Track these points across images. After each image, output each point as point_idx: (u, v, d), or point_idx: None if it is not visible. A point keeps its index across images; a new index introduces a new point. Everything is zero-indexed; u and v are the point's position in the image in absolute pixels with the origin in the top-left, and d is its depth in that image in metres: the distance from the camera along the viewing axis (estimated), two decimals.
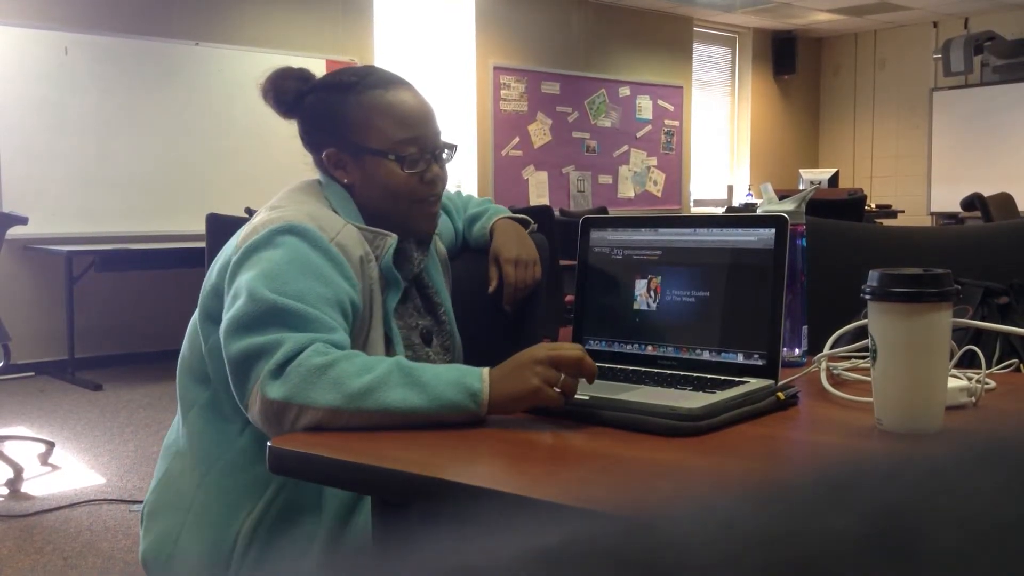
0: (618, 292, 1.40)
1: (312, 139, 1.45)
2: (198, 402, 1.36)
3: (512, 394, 1.12)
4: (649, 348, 1.36)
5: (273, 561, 1.25)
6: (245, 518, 1.29)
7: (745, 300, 1.29)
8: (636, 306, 1.37)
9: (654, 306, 1.35)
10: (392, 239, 1.39)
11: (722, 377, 1.24)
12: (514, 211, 1.73)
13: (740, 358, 1.27)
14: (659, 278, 1.35)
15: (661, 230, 1.38)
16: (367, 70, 1.46)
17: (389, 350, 1.38)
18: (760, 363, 1.25)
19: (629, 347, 1.38)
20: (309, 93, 1.44)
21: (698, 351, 1.31)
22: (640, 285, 1.37)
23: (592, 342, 1.41)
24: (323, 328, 1.19)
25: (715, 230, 1.33)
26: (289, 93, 1.44)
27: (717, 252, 1.32)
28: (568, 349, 1.14)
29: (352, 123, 1.40)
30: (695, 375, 1.27)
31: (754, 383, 1.21)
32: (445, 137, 1.48)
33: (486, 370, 1.14)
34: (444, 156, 1.47)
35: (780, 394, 1.18)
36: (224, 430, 1.33)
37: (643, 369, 1.32)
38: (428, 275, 1.54)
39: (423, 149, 1.42)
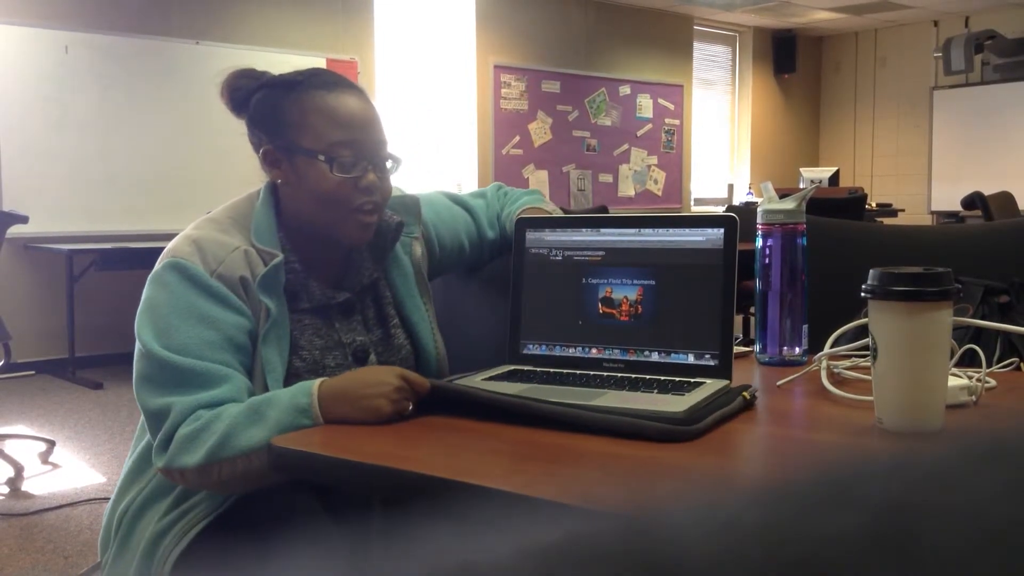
0: (558, 295, 1.37)
1: (254, 137, 1.43)
2: None
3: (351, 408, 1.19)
4: (594, 351, 1.34)
5: (128, 549, 1.27)
6: (129, 502, 1.32)
7: (694, 301, 1.28)
8: (605, 311, 1.34)
9: (633, 319, 1.32)
10: (276, 259, 1.31)
11: (677, 378, 1.23)
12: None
13: (691, 359, 1.27)
14: (638, 292, 1.32)
15: (604, 230, 1.36)
16: (315, 71, 1.41)
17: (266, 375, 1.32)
18: (712, 363, 1.25)
19: (572, 351, 1.35)
20: (256, 91, 1.41)
21: (646, 352, 1.30)
22: (607, 294, 1.35)
23: (531, 346, 1.39)
24: (211, 382, 1.23)
25: (660, 230, 1.32)
26: (241, 91, 1.42)
27: (663, 252, 1.30)
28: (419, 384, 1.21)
29: (288, 121, 1.36)
30: (647, 377, 1.25)
31: (711, 384, 1.20)
32: (395, 149, 1.41)
33: (315, 384, 1.20)
34: (388, 166, 1.39)
35: (745, 394, 1.17)
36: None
37: (592, 373, 1.29)
38: (390, 283, 1.47)
39: (359, 154, 1.34)
